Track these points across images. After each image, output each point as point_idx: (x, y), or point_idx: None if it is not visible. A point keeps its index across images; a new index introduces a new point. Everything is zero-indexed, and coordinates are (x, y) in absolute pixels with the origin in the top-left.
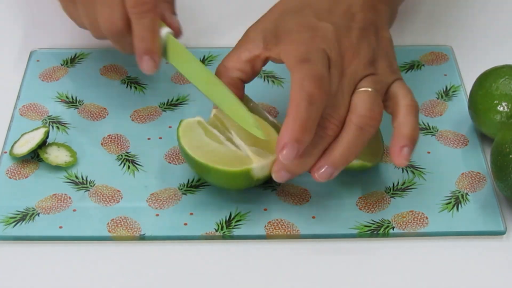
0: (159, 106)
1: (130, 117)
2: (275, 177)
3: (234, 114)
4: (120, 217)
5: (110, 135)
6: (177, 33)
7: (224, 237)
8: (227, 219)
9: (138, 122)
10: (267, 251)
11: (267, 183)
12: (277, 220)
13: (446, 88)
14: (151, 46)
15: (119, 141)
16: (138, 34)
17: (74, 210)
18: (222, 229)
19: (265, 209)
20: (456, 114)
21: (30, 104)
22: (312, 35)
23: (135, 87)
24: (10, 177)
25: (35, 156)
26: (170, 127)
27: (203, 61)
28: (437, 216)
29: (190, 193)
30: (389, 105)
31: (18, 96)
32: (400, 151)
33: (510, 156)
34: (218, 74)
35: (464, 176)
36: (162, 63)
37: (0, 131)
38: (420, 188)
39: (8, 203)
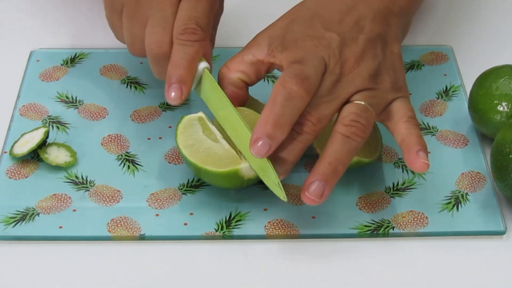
0: (159, 106)
1: (130, 117)
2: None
3: (255, 166)
4: (120, 217)
5: (110, 135)
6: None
7: (224, 237)
8: (227, 219)
9: (138, 122)
10: (267, 251)
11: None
12: (277, 220)
13: (446, 88)
14: (184, 76)
15: (119, 141)
16: (176, 60)
17: (74, 210)
18: (222, 229)
19: (265, 209)
20: (456, 114)
21: (30, 104)
22: (315, 44)
23: (135, 87)
24: (10, 177)
25: (35, 156)
26: (170, 127)
27: None
28: (437, 216)
29: (190, 193)
30: (388, 124)
31: (18, 96)
32: (417, 156)
33: (510, 156)
34: (220, 74)
35: (464, 176)
36: None
37: (0, 131)
38: (420, 188)
39: (8, 203)
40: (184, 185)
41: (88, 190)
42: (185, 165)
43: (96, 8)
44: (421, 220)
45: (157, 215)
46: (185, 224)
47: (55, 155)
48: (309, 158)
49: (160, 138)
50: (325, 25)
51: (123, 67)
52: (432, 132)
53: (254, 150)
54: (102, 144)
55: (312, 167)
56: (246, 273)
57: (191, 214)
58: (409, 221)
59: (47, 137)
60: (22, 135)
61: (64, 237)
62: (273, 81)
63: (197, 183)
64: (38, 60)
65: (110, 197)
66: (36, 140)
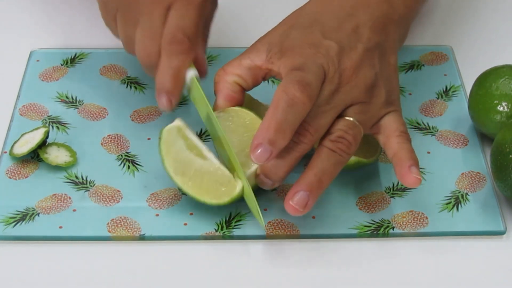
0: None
1: (130, 117)
2: (257, 181)
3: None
4: (120, 217)
5: (110, 135)
6: (202, 74)
7: (224, 237)
8: (227, 219)
9: (138, 122)
10: (267, 251)
11: None
12: (277, 220)
13: (446, 88)
14: (171, 87)
15: (119, 141)
16: (163, 70)
17: (74, 210)
18: (222, 229)
19: (265, 209)
20: (456, 114)
21: (30, 104)
22: (314, 52)
23: (135, 87)
24: (10, 177)
25: (35, 156)
26: None
27: None
28: (437, 216)
29: None
30: (380, 138)
31: (18, 96)
32: (409, 171)
33: (510, 156)
34: (216, 77)
35: (464, 176)
36: None
37: (0, 131)
38: (420, 188)
39: (8, 203)
40: None
41: (88, 190)
42: None
43: (95, 8)
44: (421, 220)
45: (157, 215)
46: (185, 224)
47: (55, 155)
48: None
49: (160, 138)
50: (324, 32)
51: (123, 67)
52: (432, 132)
53: (255, 156)
54: (102, 144)
55: None
56: (246, 273)
57: (191, 214)
58: (409, 221)
59: (47, 137)
60: (22, 135)
61: (64, 237)
62: (273, 81)
63: None
64: (38, 60)
65: (110, 197)
66: (36, 140)
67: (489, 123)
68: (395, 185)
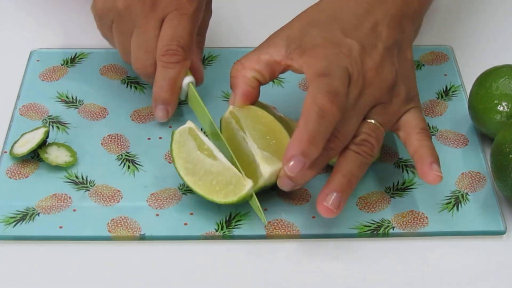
0: None
1: (130, 117)
2: (279, 183)
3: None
4: (120, 217)
5: (110, 135)
6: (199, 80)
7: (224, 237)
8: (227, 219)
9: (138, 122)
10: (267, 251)
11: None
12: (277, 220)
13: (446, 88)
14: (167, 98)
15: (119, 141)
16: (159, 81)
17: (74, 210)
18: (222, 229)
19: (265, 209)
20: (456, 114)
21: (30, 104)
22: (336, 52)
23: (135, 87)
24: (10, 177)
25: (35, 156)
26: (170, 127)
27: (203, 61)
28: (437, 216)
29: (190, 193)
30: (400, 134)
31: (18, 96)
32: (430, 168)
33: (510, 156)
34: (234, 71)
35: (464, 176)
36: None
37: (0, 131)
38: (420, 188)
39: (8, 203)
40: (184, 185)
41: (88, 190)
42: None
43: None
44: (421, 220)
45: (157, 215)
46: (185, 224)
47: (55, 155)
48: None
49: (160, 138)
50: (344, 30)
51: (123, 67)
52: (432, 132)
53: (288, 168)
54: (102, 144)
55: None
56: (246, 273)
57: (191, 214)
58: (409, 221)
59: (47, 137)
60: (22, 135)
61: (64, 237)
62: (273, 81)
63: None
64: (38, 60)
65: (110, 197)
66: (36, 140)
67: (489, 123)
68: (395, 185)
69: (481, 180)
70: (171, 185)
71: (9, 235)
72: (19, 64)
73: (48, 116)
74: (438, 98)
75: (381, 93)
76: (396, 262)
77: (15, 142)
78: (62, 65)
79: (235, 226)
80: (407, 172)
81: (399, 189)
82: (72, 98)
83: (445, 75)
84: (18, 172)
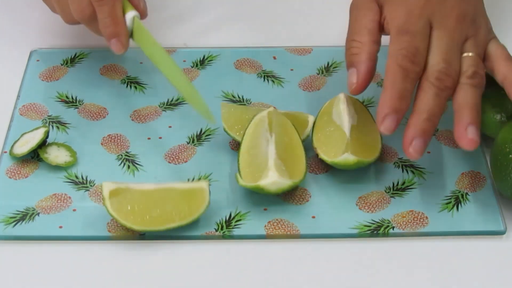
0: (159, 106)
1: (130, 116)
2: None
3: (191, 99)
4: None
5: (110, 134)
6: (142, 15)
7: (224, 237)
8: (227, 219)
9: (138, 122)
10: (267, 251)
11: None
12: (277, 220)
13: None
14: (115, 30)
15: (119, 141)
16: (101, 20)
17: (74, 210)
18: (222, 229)
19: (265, 209)
20: None
21: (30, 104)
22: None
23: (135, 87)
24: (10, 177)
25: (35, 156)
26: (170, 127)
27: (203, 61)
28: (437, 216)
29: None
30: (487, 64)
31: (18, 96)
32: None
33: (510, 156)
34: (354, 51)
35: (464, 176)
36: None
37: (0, 131)
38: (420, 188)
39: (8, 203)
40: None
41: (88, 190)
42: (186, 165)
43: None
44: (421, 220)
45: None
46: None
47: (55, 155)
48: (310, 159)
49: (160, 138)
50: None
51: (123, 67)
52: None
53: (384, 127)
54: (102, 144)
55: (314, 170)
56: (246, 273)
57: None
58: (409, 221)
59: (47, 137)
60: (22, 135)
61: (64, 237)
62: (273, 81)
63: None
64: (38, 60)
65: None
66: (36, 140)
67: (489, 123)
68: (395, 185)
69: (481, 180)
70: None
71: (9, 235)
72: (19, 64)
73: (48, 116)
74: None
75: (467, 28)
76: (396, 261)
77: (15, 142)
78: (62, 65)
79: (235, 226)
80: (407, 172)
81: (399, 189)
82: (72, 98)
83: None
84: (18, 172)
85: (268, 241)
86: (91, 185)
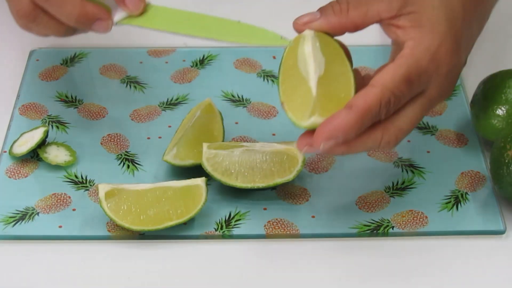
0: (159, 106)
1: (130, 116)
2: (312, 150)
3: (255, 39)
4: None
5: (109, 134)
6: (132, 11)
7: (223, 237)
8: (226, 218)
9: (138, 122)
10: (267, 251)
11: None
12: (276, 219)
13: None
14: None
15: (118, 140)
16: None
17: (74, 210)
18: (221, 228)
19: (265, 209)
20: (456, 113)
21: (30, 103)
22: (447, 49)
23: (135, 87)
24: (9, 177)
25: (34, 156)
26: (169, 126)
27: (202, 60)
28: (436, 216)
29: None
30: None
31: (18, 96)
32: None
33: (509, 156)
34: (336, 10)
35: (464, 175)
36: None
37: (0, 131)
38: (419, 187)
39: (7, 203)
40: None
41: (88, 190)
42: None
43: None
44: (421, 219)
45: None
46: (185, 224)
47: (55, 155)
48: (309, 158)
49: (160, 137)
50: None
51: (122, 67)
52: (431, 131)
53: (314, 149)
54: (101, 143)
55: (314, 169)
56: (246, 273)
57: None
58: (409, 220)
59: (46, 136)
60: (21, 135)
61: (64, 236)
62: (273, 81)
63: None
64: (38, 60)
65: None
66: (35, 140)
67: (490, 128)
68: (394, 184)
69: (480, 179)
70: None
71: (9, 235)
72: (19, 64)
73: (48, 115)
74: None
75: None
76: (396, 261)
77: (15, 142)
78: (61, 64)
79: (235, 226)
80: (407, 172)
81: (399, 189)
82: (72, 97)
83: None
84: (18, 172)
85: (268, 240)
86: (90, 185)
